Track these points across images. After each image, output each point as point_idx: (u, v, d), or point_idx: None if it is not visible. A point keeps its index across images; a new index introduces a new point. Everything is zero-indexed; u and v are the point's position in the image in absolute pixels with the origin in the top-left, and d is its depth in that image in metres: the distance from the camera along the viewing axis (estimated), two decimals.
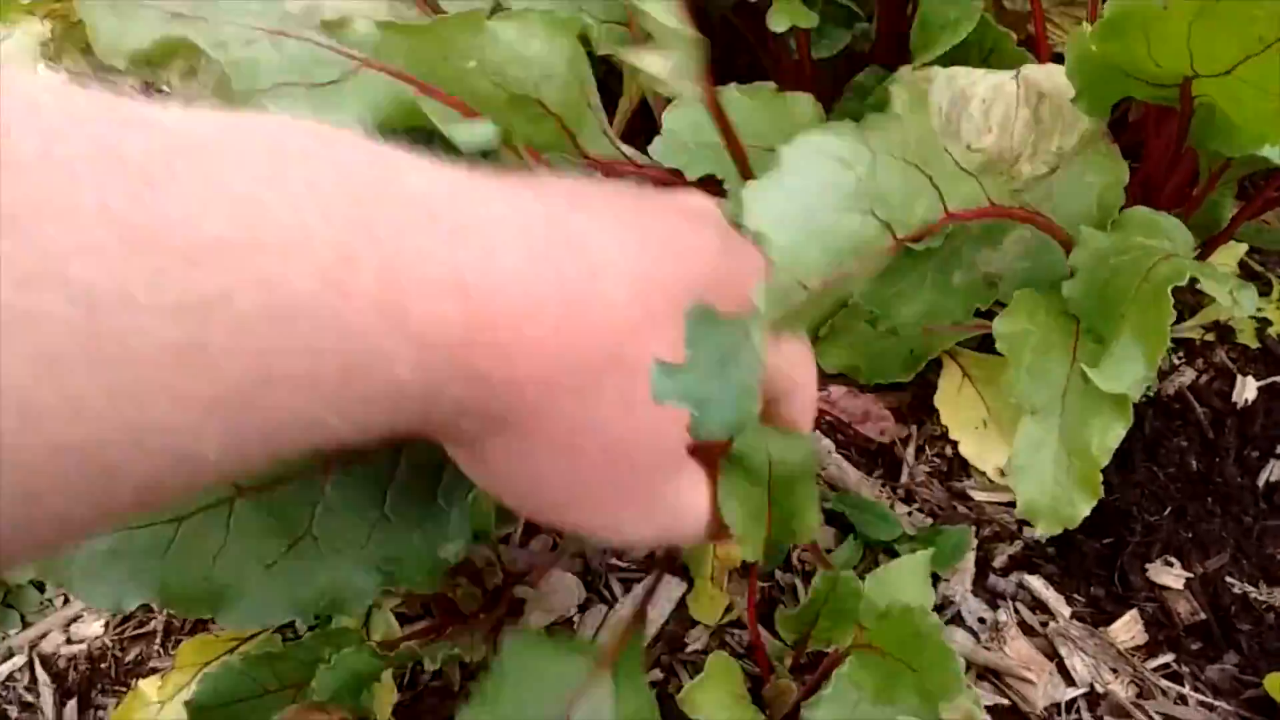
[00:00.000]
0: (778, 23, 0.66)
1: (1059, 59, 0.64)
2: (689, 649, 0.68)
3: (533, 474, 0.40)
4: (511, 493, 0.41)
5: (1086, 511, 0.61)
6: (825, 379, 0.80)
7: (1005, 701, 0.63)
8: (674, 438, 0.40)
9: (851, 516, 0.69)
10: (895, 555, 0.67)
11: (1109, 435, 0.61)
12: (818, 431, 0.77)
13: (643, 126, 0.87)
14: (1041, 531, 0.63)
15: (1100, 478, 0.61)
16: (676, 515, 0.45)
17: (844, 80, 0.78)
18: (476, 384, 0.34)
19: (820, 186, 0.49)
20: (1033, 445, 0.64)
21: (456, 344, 0.33)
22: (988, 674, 0.64)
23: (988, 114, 0.63)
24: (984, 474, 0.73)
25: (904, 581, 0.62)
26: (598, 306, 0.37)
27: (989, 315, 0.75)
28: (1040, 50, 0.70)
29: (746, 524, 0.46)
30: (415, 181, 0.33)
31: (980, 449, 0.72)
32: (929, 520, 0.72)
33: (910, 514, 0.72)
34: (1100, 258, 0.64)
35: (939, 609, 0.68)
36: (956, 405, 0.73)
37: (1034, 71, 0.64)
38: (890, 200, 0.52)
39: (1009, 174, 0.66)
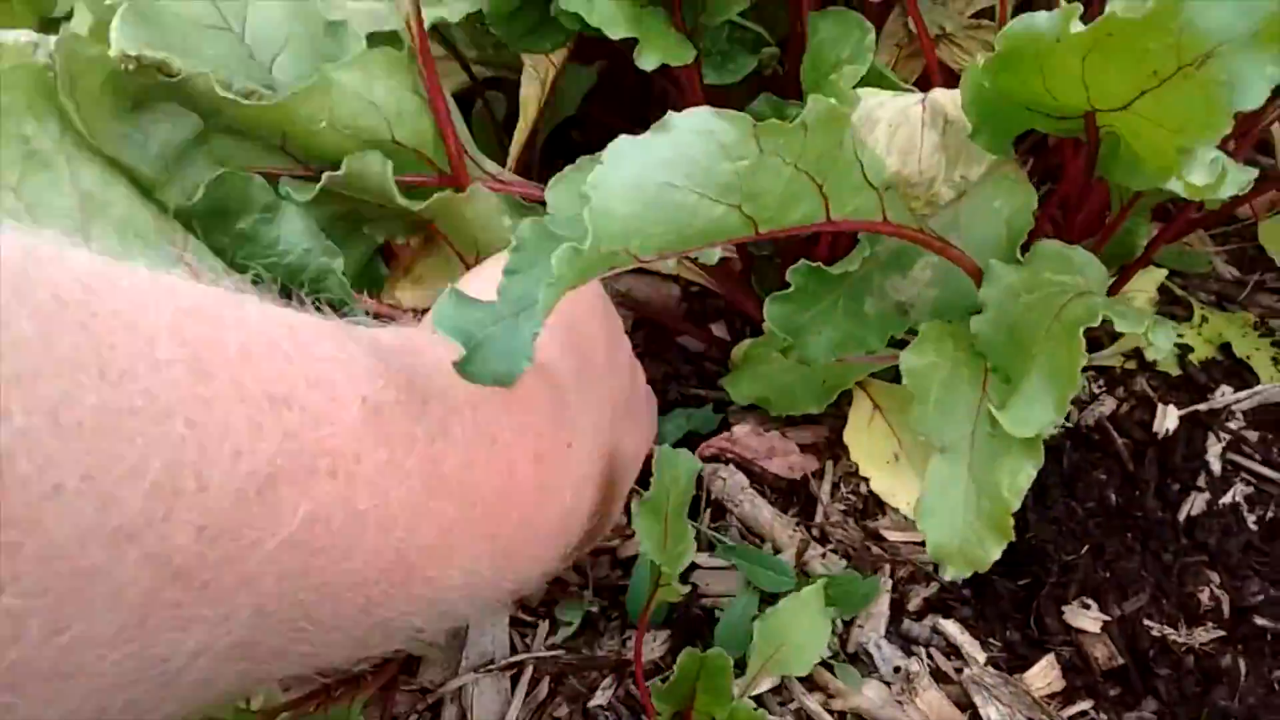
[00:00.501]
0: (646, 61, 0.63)
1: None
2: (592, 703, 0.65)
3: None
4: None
5: (997, 554, 0.59)
6: (735, 413, 0.78)
7: None
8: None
9: (743, 569, 0.66)
10: None
11: (1020, 476, 0.59)
12: (731, 465, 0.75)
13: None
14: (951, 575, 0.61)
15: (1011, 520, 0.58)
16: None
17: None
18: None
19: (691, 166, 0.46)
20: (941, 485, 0.61)
21: None
22: None
23: (892, 138, 0.61)
24: (898, 511, 0.71)
25: (796, 622, 0.59)
26: None
27: (901, 345, 0.73)
28: (930, 74, 0.68)
29: None
30: None
31: (891, 485, 0.69)
32: (843, 561, 0.69)
33: (824, 555, 0.69)
34: (1010, 294, 0.62)
35: (853, 659, 0.65)
36: (867, 438, 0.71)
37: (940, 96, 0.62)
38: (764, 199, 0.48)
39: (926, 198, 0.64)
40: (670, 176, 0.46)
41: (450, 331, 0.38)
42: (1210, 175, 0.53)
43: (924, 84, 0.65)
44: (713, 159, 0.47)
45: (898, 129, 0.60)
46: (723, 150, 0.47)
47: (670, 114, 0.47)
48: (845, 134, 0.50)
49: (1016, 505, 0.56)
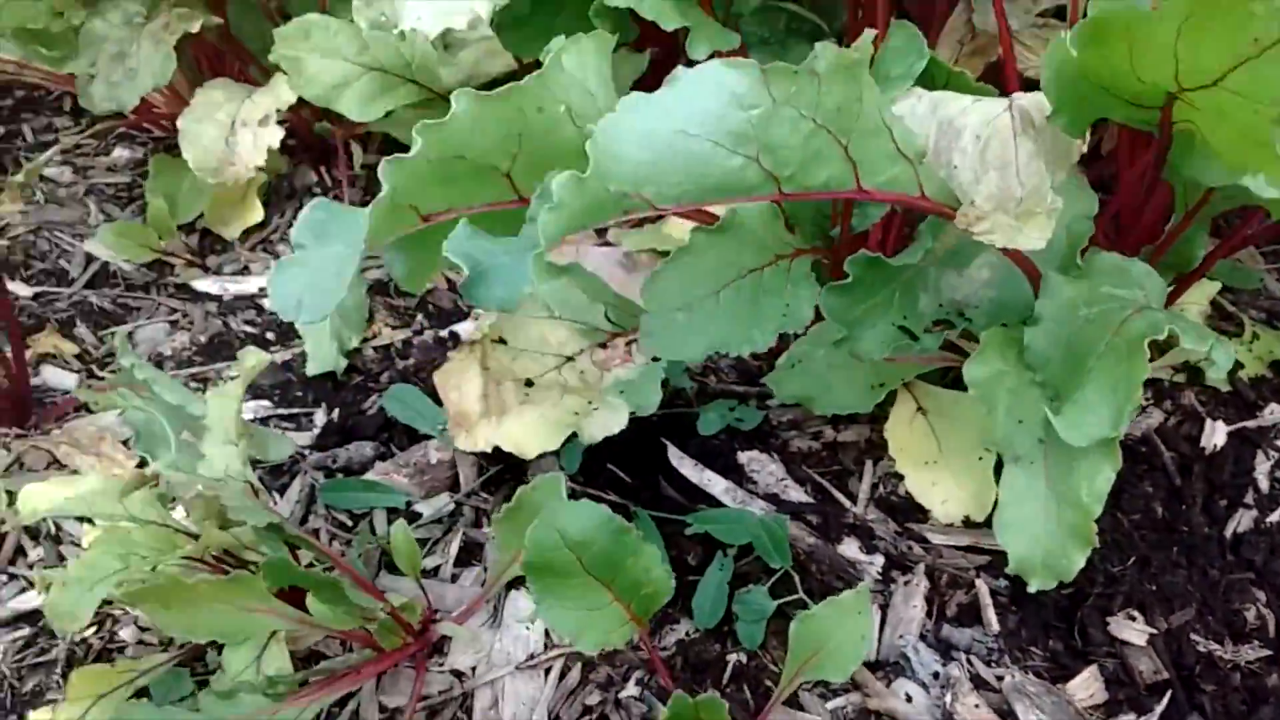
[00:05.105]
0: (696, 50, 0.64)
1: (1030, 85, 0.61)
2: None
3: None
4: None
5: (1081, 563, 0.58)
6: (776, 409, 0.77)
7: None
8: None
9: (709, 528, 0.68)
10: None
11: (1099, 480, 0.57)
12: (765, 455, 0.74)
13: None
14: (1035, 587, 0.60)
15: (1094, 527, 0.57)
16: None
17: None
18: None
19: (703, 114, 0.46)
20: (1019, 496, 0.60)
21: None
22: None
23: (983, 152, 0.58)
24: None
25: (835, 626, 0.58)
26: None
27: (951, 347, 0.72)
28: (1009, 75, 0.67)
29: None
30: None
31: (926, 486, 0.68)
32: (882, 560, 0.68)
33: (869, 557, 0.68)
34: (1068, 308, 0.60)
35: (889, 663, 0.64)
36: (907, 438, 0.70)
37: (1026, 101, 0.59)
38: (782, 154, 0.48)
39: (1044, 210, 0.61)
40: (683, 124, 0.46)
41: (458, 257, 0.42)
42: None
43: (988, 81, 0.64)
44: (724, 106, 0.47)
45: (988, 141, 0.57)
46: (734, 98, 0.47)
47: (680, 67, 0.47)
48: (864, 89, 0.49)
49: (1099, 510, 0.55)
